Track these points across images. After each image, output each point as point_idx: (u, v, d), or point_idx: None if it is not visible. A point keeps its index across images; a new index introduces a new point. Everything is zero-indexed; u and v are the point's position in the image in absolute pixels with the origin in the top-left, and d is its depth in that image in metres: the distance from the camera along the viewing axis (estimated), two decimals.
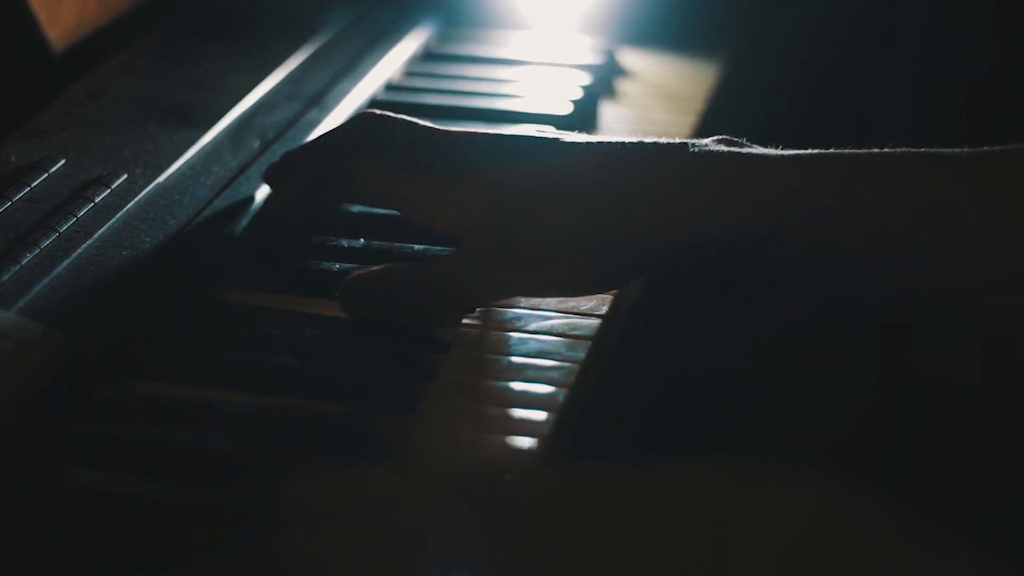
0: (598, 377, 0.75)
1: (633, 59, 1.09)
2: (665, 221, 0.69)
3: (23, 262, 0.72)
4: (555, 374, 0.71)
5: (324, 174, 0.77)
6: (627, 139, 0.72)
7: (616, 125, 1.00)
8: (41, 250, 0.73)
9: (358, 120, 0.78)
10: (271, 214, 0.80)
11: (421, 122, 0.78)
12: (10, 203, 0.77)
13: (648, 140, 0.72)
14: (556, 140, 0.74)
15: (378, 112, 0.78)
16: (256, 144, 0.88)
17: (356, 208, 0.83)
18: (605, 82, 1.04)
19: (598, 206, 0.70)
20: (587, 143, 0.73)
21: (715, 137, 0.72)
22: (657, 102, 1.04)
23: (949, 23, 1.23)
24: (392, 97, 0.99)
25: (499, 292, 0.74)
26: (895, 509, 0.44)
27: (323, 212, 0.82)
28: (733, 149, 0.70)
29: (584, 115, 0.98)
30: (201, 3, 1.05)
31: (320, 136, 0.79)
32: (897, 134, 0.80)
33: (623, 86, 1.06)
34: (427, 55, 1.07)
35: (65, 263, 0.73)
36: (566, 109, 0.97)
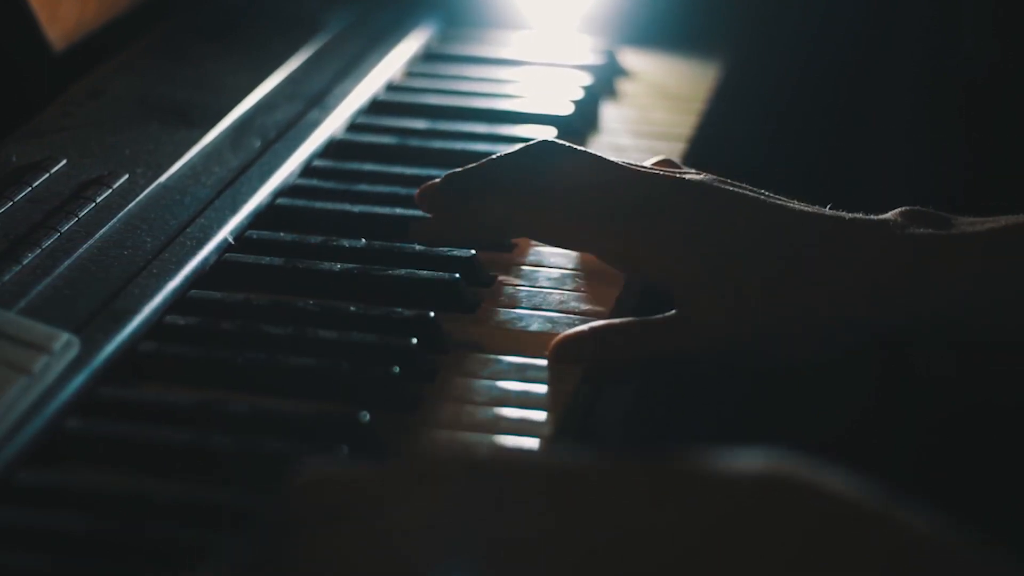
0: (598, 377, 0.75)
1: (634, 59, 1.09)
2: (882, 303, 0.70)
3: (24, 262, 0.72)
4: (555, 374, 0.71)
5: (490, 210, 0.75)
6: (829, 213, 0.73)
7: (617, 125, 1.00)
8: (42, 250, 0.73)
9: (532, 149, 0.75)
10: (423, 240, 0.78)
11: (605, 157, 0.75)
12: (11, 203, 0.77)
13: (847, 216, 0.72)
14: (756, 196, 0.73)
15: (555, 141, 0.76)
16: (257, 144, 0.88)
17: (357, 208, 0.83)
18: (606, 82, 1.04)
19: (817, 284, 0.71)
20: (796, 209, 0.73)
21: (903, 210, 0.72)
22: (658, 102, 1.04)
23: (949, 23, 1.22)
24: (393, 97, 0.99)
25: (720, 353, 0.72)
26: (895, 509, 0.44)
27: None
28: (923, 232, 0.71)
29: (585, 115, 0.98)
30: (201, 3, 1.05)
31: (488, 163, 0.76)
32: (897, 134, 0.80)
33: (624, 86, 1.06)
34: (428, 55, 1.07)
35: (66, 263, 0.73)
36: (567, 109, 0.97)
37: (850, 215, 0.73)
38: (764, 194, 0.74)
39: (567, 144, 0.76)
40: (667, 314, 0.73)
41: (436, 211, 0.78)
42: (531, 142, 0.77)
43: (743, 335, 0.71)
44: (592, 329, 0.73)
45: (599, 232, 0.74)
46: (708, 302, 0.72)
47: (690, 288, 0.72)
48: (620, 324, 0.73)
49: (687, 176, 0.75)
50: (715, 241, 0.72)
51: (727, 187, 0.74)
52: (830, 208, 0.73)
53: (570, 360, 0.72)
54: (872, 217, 0.72)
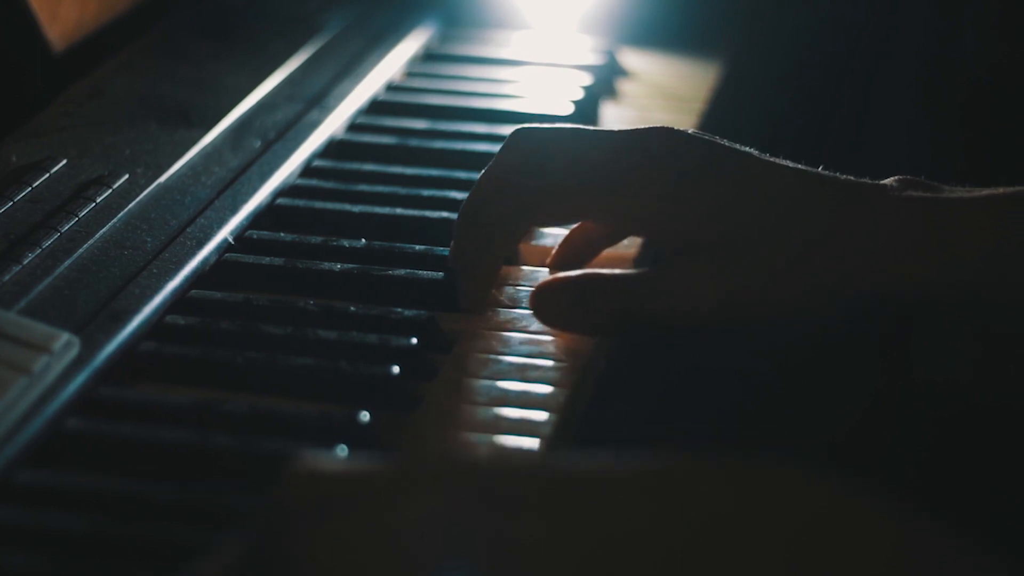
0: (598, 377, 0.75)
1: (633, 59, 1.09)
2: (882, 269, 0.70)
3: (24, 262, 0.72)
4: (555, 374, 0.71)
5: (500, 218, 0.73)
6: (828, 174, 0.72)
7: (617, 125, 1.00)
8: (42, 250, 0.73)
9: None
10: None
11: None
12: (11, 203, 0.77)
13: (847, 180, 0.71)
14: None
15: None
16: (257, 144, 0.88)
17: (356, 208, 0.83)
18: (606, 82, 1.04)
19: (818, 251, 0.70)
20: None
21: (898, 178, 0.72)
22: (658, 102, 1.04)
23: (949, 23, 1.23)
24: (393, 97, 0.99)
25: (702, 315, 0.72)
26: (895, 509, 0.44)
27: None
28: (930, 196, 0.70)
29: (585, 115, 0.98)
30: (201, 3, 1.05)
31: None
32: (897, 134, 0.80)
33: (624, 86, 1.06)
34: (428, 55, 1.07)
35: (66, 263, 0.73)
36: (567, 109, 0.97)
37: (845, 178, 0.72)
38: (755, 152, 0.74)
39: (539, 126, 0.75)
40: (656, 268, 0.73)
41: (465, 255, 0.75)
42: (509, 137, 0.75)
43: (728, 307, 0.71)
44: (579, 275, 0.73)
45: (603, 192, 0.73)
46: (698, 269, 0.71)
47: (684, 245, 0.71)
48: (607, 272, 0.73)
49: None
50: (712, 192, 0.72)
51: (711, 141, 0.74)
52: (822, 169, 0.73)
53: (550, 308, 0.72)
54: (870, 182, 0.72)
